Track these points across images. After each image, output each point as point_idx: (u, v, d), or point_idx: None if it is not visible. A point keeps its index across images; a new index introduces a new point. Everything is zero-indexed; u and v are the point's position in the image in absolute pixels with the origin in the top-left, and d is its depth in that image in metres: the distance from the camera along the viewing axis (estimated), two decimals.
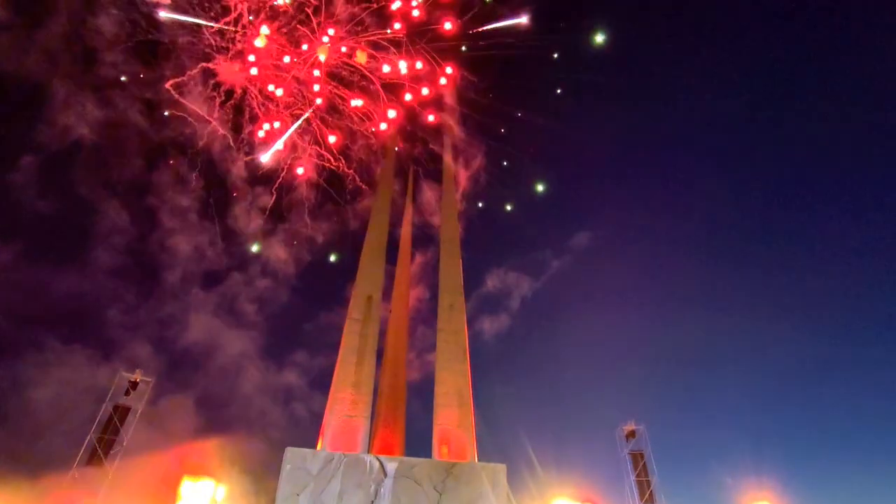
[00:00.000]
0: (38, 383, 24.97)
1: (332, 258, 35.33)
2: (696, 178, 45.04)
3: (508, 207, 37.72)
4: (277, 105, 31.68)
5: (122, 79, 30.80)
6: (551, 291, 42.12)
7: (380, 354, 20.59)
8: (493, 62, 33.33)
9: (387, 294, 24.75)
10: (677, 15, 45.33)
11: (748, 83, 45.12)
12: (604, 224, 44.43)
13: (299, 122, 31.85)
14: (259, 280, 36.99)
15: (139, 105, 31.66)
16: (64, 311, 32.12)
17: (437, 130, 32.52)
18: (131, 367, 20.95)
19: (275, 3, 30.15)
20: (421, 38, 32.36)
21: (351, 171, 32.76)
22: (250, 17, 29.65)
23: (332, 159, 32.45)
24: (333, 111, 32.68)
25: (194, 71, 29.76)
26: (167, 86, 29.68)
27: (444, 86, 33.19)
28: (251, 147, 32.08)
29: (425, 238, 30.67)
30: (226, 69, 30.30)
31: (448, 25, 32.12)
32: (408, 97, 32.66)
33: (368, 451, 17.62)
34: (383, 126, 32.26)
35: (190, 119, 30.51)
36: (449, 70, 33.05)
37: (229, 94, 30.99)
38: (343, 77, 32.53)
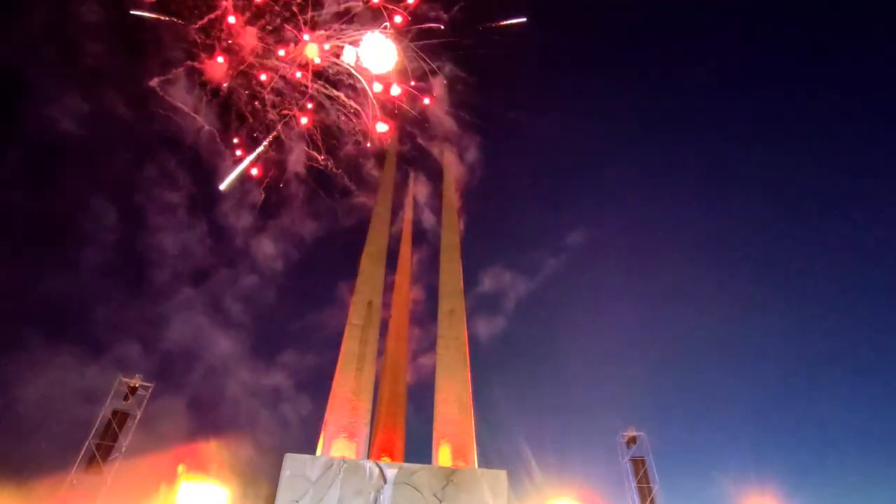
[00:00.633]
0: (25, 383, 24.47)
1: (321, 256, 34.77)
2: (696, 177, 45.25)
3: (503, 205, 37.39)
4: (264, 105, 31.57)
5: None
6: (549, 292, 41.71)
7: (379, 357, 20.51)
8: (486, 59, 33.08)
9: (386, 299, 24.64)
10: (683, 11, 45.55)
11: (748, 83, 45.43)
12: (602, 223, 44.36)
13: (264, 144, 31.63)
14: (245, 277, 35.95)
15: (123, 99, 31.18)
16: (50, 310, 31.56)
17: (427, 123, 32.52)
18: (120, 367, 20.75)
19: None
20: (406, 34, 32.11)
21: (339, 170, 32.57)
22: (230, 18, 29.43)
23: (319, 158, 32.25)
24: (321, 109, 32.49)
25: (179, 69, 29.55)
26: (152, 83, 29.39)
27: (428, 105, 33.01)
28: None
29: (420, 235, 30.42)
30: (211, 67, 30.07)
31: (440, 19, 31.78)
32: (396, 90, 32.14)
33: (368, 457, 17.55)
34: (384, 127, 32.16)
35: (174, 117, 30.19)
36: (443, 77, 32.91)
37: (215, 91, 30.80)
38: (329, 77, 32.40)
